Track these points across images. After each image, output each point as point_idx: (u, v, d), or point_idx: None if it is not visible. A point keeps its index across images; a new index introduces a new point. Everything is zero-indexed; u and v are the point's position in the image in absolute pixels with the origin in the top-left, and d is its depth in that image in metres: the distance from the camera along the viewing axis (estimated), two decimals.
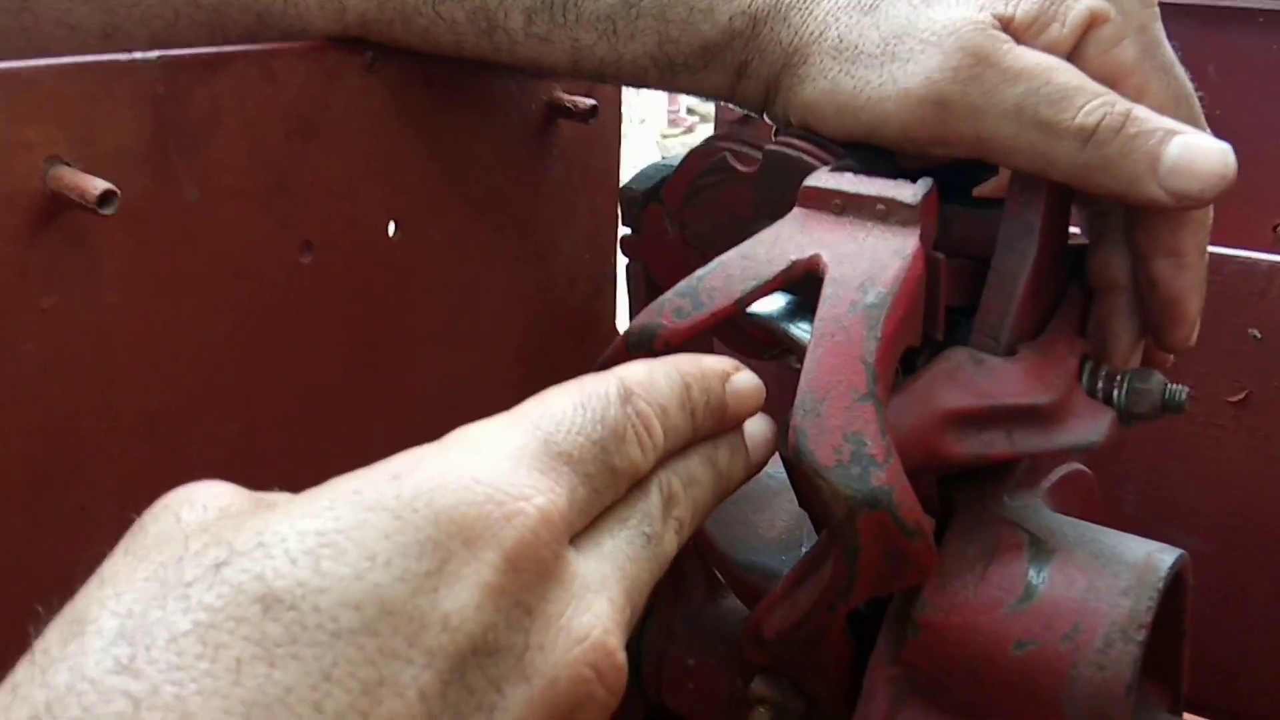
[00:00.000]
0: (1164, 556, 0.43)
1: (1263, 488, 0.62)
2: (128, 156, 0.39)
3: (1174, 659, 0.50)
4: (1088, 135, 0.41)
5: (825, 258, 0.42)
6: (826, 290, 0.41)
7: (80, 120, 0.38)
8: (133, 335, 0.41)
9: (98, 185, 0.37)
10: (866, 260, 0.42)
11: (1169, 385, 0.44)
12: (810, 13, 0.45)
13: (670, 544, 0.35)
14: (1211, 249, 0.62)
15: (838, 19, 0.45)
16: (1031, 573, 0.43)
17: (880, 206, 0.43)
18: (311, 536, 0.25)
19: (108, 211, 0.37)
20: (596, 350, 0.65)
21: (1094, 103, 0.41)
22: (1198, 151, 0.41)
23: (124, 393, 0.41)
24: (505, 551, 0.27)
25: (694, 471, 0.36)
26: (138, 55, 0.40)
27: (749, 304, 0.43)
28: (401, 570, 0.25)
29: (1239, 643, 0.64)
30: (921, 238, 0.42)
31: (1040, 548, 0.43)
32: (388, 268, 0.51)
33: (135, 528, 0.28)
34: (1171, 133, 0.41)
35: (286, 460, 0.48)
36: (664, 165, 0.53)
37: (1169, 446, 0.64)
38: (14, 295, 0.37)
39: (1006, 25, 0.42)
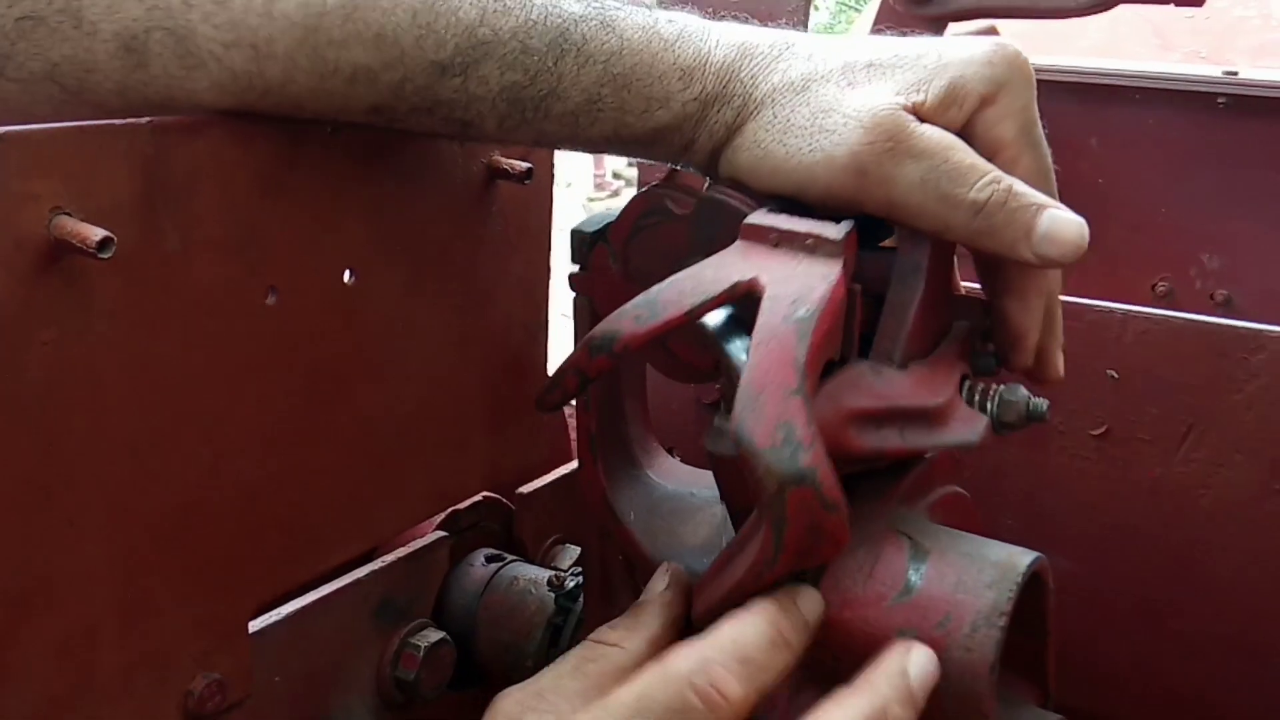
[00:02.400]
0: (1023, 557, 0.50)
1: (1122, 511, 0.69)
2: (120, 209, 0.45)
3: (1040, 658, 0.56)
4: (980, 208, 0.48)
5: (763, 279, 0.48)
6: (765, 305, 0.48)
7: (80, 177, 0.43)
8: (120, 367, 0.46)
9: (97, 233, 0.42)
10: (798, 282, 0.48)
11: (1031, 398, 0.51)
12: (751, 96, 0.52)
13: None
14: (1074, 299, 0.70)
15: (774, 100, 0.51)
16: (911, 571, 0.49)
17: (810, 240, 0.49)
18: None
19: (106, 256, 0.42)
20: (532, 390, 0.71)
21: (985, 180, 0.48)
22: (1062, 224, 0.49)
23: (112, 418, 0.46)
24: None
25: None
26: (131, 120, 0.45)
27: (699, 316, 0.49)
28: None
29: (1106, 653, 0.71)
30: (844, 268, 0.49)
31: (919, 550, 0.50)
32: (344, 311, 0.56)
33: None
34: (1043, 207, 0.49)
35: (252, 482, 0.53)
36: (610, 213, 0.59)
37: (1042, 476, 0.71)
38: (20, 329, 0.42)
39: (917, 110, 0.50)
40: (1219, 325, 0.64)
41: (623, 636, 0.47)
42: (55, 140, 0.42)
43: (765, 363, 0.46)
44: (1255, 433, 0.64)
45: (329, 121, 0.53)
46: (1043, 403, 0.51)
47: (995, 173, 0.49)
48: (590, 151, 0.57)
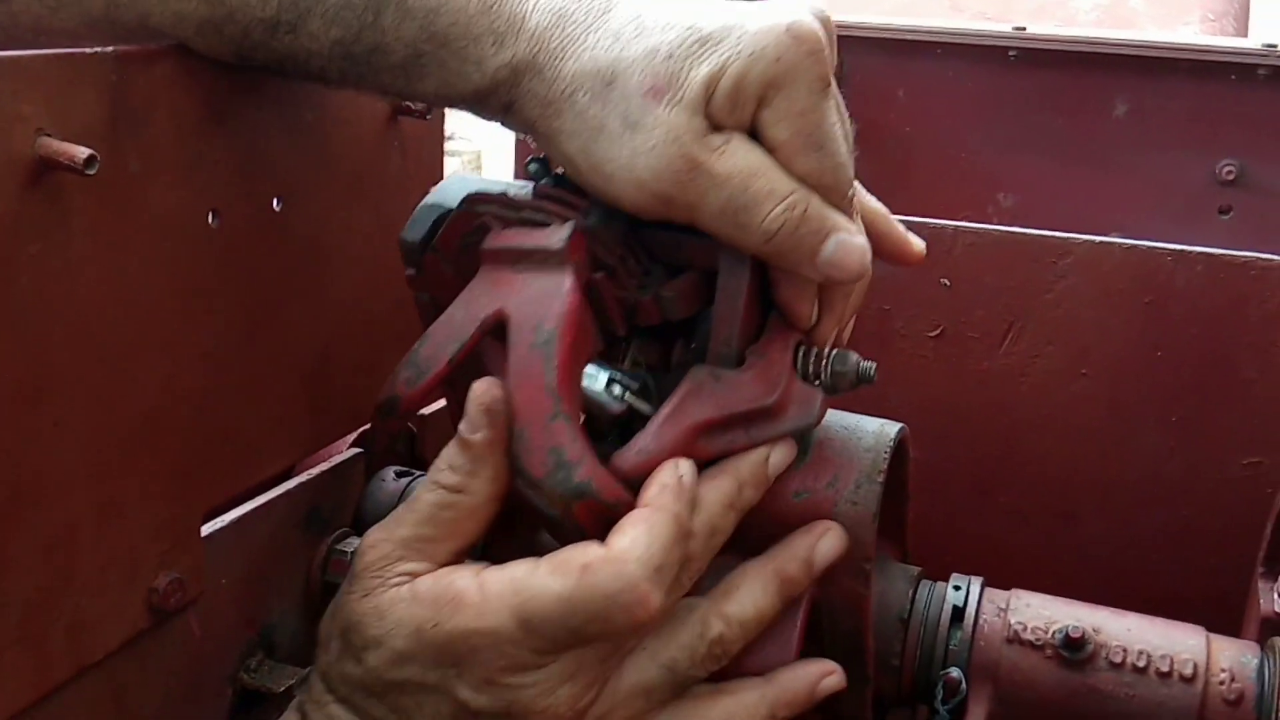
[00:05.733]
0: (891, 426, 0.59)
1: (956, 403, 0.80)
2: (91, 132, 0.48)
3: (901, 521, 0.66)
4: (770, 236, 0.51)
5: (508, 307, 0.52)
6: (511, 336, 0.51)
7: (58, 100, 0.46)
8: (93, 281, 0.49)
9: (83, 151, 0.45)
10: (536, 304, 0.52)
11: (860, 363, 0.55)
12: (559, 71, 0.52)
13: (699, 672, 0.54)
14: (914, 218, 0.79)
15: (582, 85, 0.51)
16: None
17: (539, 255, 0.52)
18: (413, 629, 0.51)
19: (91, 172, 0.45)
20: None
21: (777, 209, 0.51)
22: (846, 249, 0.52)
23: (87, 328, 0.49)
24: (479, 676, 0.51)
25: (759, 605, 0.55)
26: (98, 49, 0.48)
27: (460, 361, 0.53)
28: (433, 666, 0.51)
29: (945, 525, 0.81)
30: (575, 273, 0.52)
31: None
32: (274, 235, 0.60)
33: None
34: (831, 232, 0.52)
35: (202, 392, 0.57)
36: (431, 207, 0.59)
37: (889, 374, 0.80)
38: (11, 242, 0.45)
39: (710, 116, 0.51)
40: (1034, 235, 0.75)
41: (466, 482, 0.52)
42: (37, 65, 0.45)
43: (520, 396, 0.50)
44: (1064, 326, 0.75)
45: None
46: (871, 366, 0.55)
47: (793, 197, 0.51)
48: (435, 105, 0.59)
